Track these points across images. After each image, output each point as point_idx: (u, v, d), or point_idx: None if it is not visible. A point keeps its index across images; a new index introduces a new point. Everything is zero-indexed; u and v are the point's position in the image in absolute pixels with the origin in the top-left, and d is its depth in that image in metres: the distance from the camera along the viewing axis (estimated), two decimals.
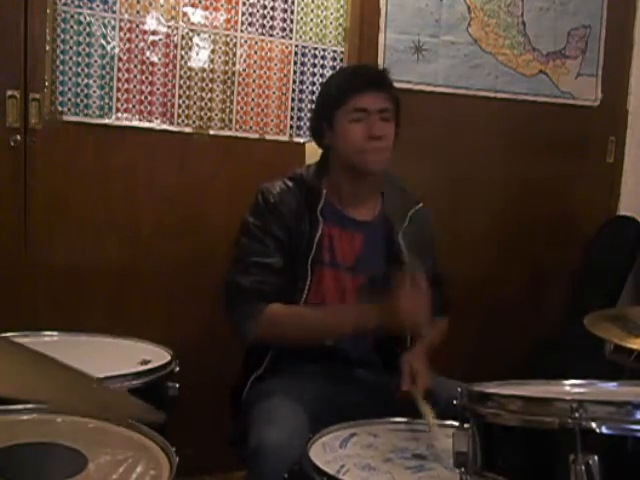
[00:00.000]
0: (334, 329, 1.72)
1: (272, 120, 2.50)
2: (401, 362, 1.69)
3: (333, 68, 2.56)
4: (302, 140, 2.51)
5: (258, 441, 1.47)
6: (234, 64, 2.43)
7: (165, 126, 2.36)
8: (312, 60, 2.53)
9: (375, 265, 1.82)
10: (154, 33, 2.32)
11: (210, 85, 2.41)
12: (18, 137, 2.17)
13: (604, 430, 0.99)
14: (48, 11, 2.17)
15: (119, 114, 2.30)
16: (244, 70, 2.44)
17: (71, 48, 2.23)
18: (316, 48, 2.53)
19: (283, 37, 2.48)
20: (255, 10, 2.43)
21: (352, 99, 1.74)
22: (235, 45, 2.42)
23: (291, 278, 1.74)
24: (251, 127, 2.47)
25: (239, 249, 1.77)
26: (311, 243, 1.74)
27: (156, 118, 2.35)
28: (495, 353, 2.74)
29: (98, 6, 2.24)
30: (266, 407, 1.60)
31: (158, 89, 2.34)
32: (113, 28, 2.26)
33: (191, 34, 2.36)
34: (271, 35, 2.46)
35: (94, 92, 2.26)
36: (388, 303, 1.60)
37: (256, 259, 1.72)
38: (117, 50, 2.28)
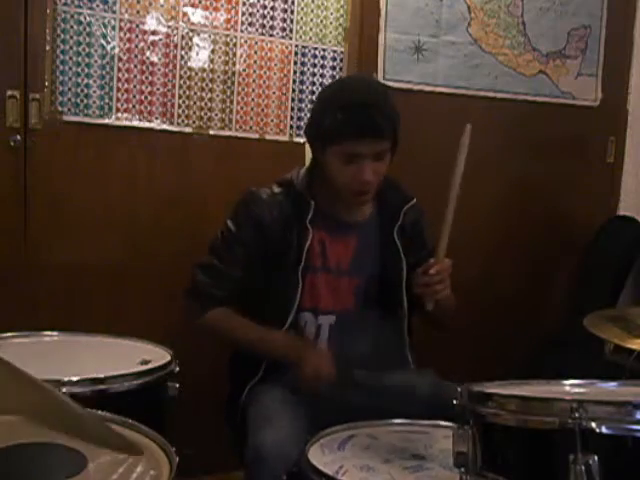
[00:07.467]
0: (261, 352, 1.75)
1: (272, 120, 2.50)
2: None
3: (333, 68, 2.56)
4: (302, 140, 2.50)
5: (256, 443, 1.47)
6: (234, 64, 2.43)
7: (165, 126, 2.36)
8: (312, 60, 2.53)
9: (371, 266, 1.81)
10: (154, 33, 2.32)
11: (210, 85, 2.41)
12: (18, 137, 2.16)
13: (604, 430, 0.99)
14: (48, 11, 2.17)
15: (119, 114, 2.30)
16: (244, 70, 2.44)
17: (71, 48, 2.23)
18: (316, 48, 2.53)
19: (283, 37, 2.48)
20: (255, 10, 2.43)
21: (347, 144, 1.62)
22: (235, 45, 2.42)
23: (281, 285, 1.73)
24: (251, 127, 2.47)
25: (213, 244, 1.81)
26: (300, 252, 1.71)
27: (156, 118, 2.35)
28: (495, 353, 2.74)
29: (98, 6, 2.24)
30: (264, 410, 1.60)
31: (158, 89, 2.34)
32: (113, 28, 2.26)
33: (191, 34, 2.36)
34: (271, 35, 2.46)
35: (94, 92, 2.26)
36: (303, 352, 1.66)
37: (219, 265, 1.77)
38: (117, 50, 2.28)
